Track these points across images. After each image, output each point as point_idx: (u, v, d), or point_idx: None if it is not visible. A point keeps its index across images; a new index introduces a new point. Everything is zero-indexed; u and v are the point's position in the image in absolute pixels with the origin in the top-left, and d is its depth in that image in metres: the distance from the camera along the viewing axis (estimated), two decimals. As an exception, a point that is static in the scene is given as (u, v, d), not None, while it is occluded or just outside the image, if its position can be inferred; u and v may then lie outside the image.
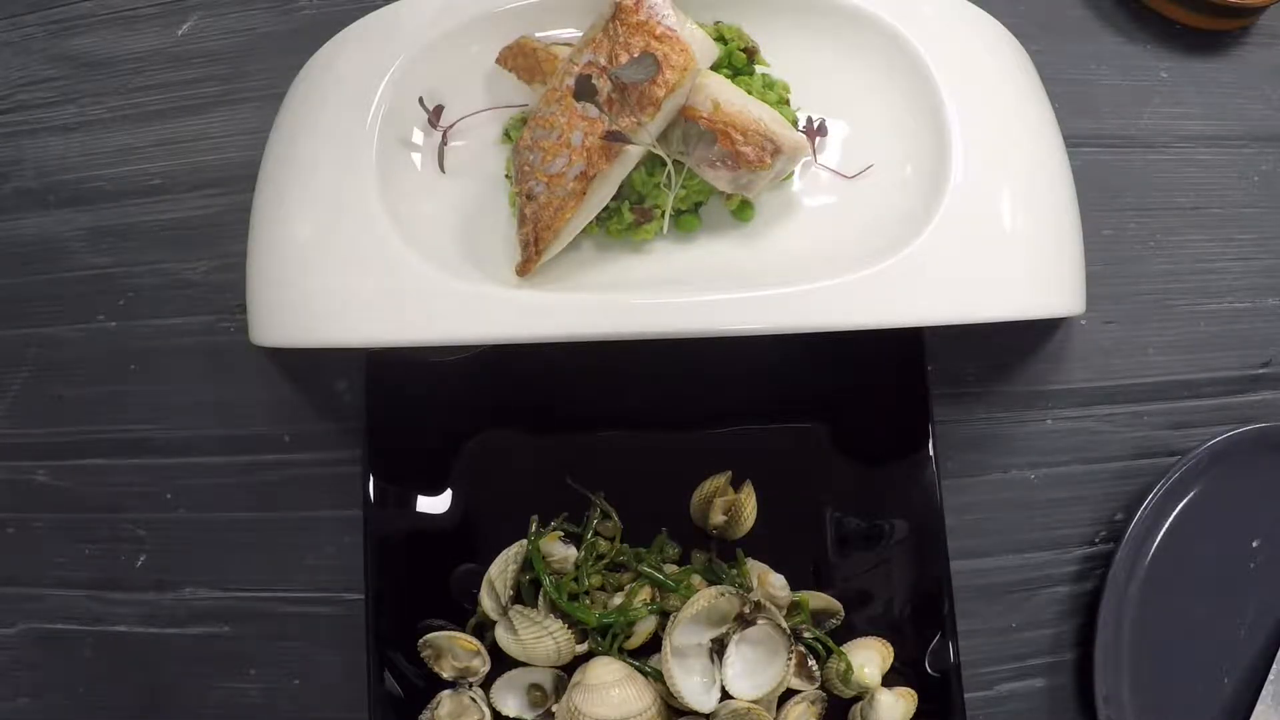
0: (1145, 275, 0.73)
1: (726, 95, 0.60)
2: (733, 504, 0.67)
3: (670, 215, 0.63)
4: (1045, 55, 0.69)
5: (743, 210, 0.64)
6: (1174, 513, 0.68)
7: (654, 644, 0.65)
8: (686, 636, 0.63)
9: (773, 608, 0.64)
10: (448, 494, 0.70)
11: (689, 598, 0.63)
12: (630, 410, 0.70)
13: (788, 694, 0.65)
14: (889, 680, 0.65)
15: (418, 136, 0.65)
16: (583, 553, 0.67)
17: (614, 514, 0.68)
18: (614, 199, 0.62)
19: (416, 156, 0.65)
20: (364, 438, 0.68)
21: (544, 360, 0.66)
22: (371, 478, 0.67)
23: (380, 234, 0.61)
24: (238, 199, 0.73)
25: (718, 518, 0.67)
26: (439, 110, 0.64)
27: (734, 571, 0.66)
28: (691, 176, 0.62)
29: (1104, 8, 0.77)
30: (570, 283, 0.62)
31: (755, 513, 0.68)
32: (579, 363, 0.69)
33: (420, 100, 0.64)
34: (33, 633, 0.73)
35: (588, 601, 0.66)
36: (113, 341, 0.75)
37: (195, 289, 0.75)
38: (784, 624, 0.63)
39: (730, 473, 0.68)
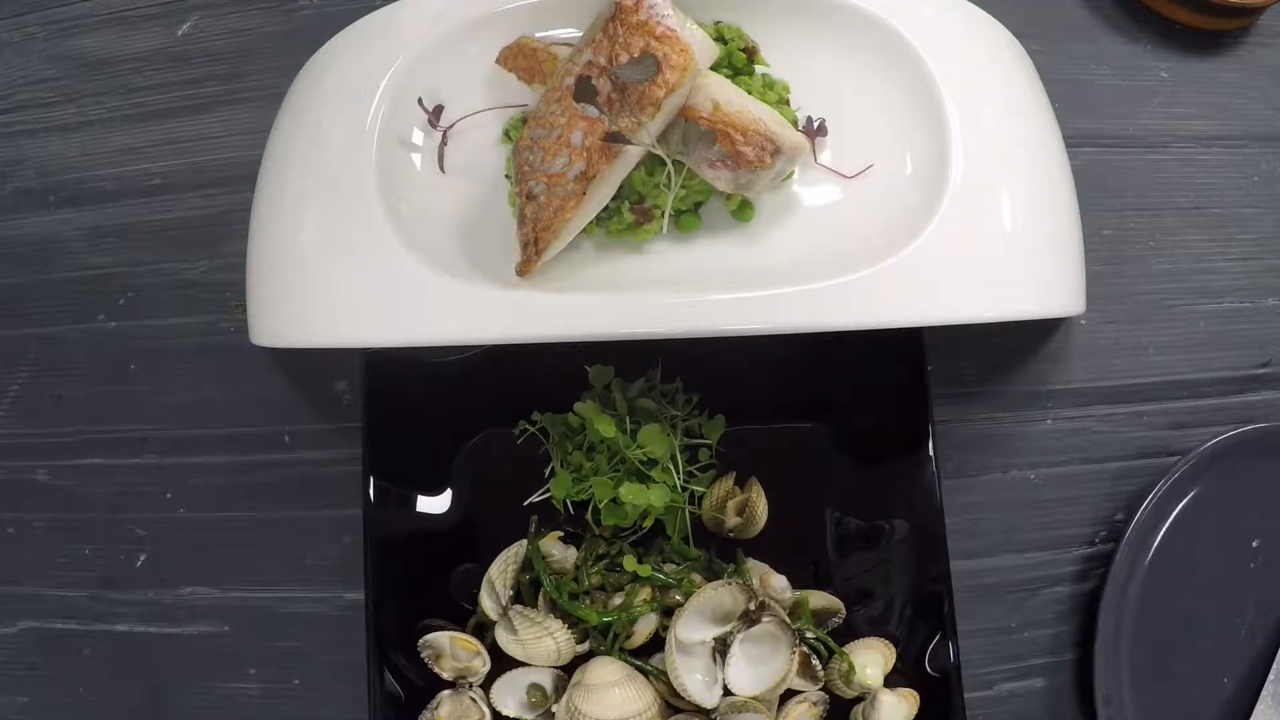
0: (1145, 275, 0.73)
1: (726, 95, 0.60)
2: (745, 504, 0.67)
3: (670, 215, 0.63)
4: (1045, 55, 0.69)
5: (743, 210, 0.64)
6: (1174, 513, 0.68)
7: (654, 644, 0.66)
8: (691, 631, 0.63)
9: (777, 606, 0.64)
10: (448, 494, 0.70)
11: (691, 593, 0.64)
12: (630, 410, 0.70)
13: (789, 694, 0.65)
14: (890, 681, 0.65)
15: (418, 136, 0.65)
16: (583, 553, 0.67)
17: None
18: (614, 199, 0.62)
19: (416, 156, 0.65)
20: (364, 438, 0.68)
21: (544, 360, 0.66)
22: (371, 478, 0.67)
23: (380, 234, 0.61)
24: (238, 199, 0.73)
25: (733, 519, 0.67)
26: (439, 110, 0.65)
27: (732, 569, 0.67)
28: (691, 176, 0.62)
29: (1104, 8, 0.77)
30: (570, 283, 0.62)
31: (767, 510, 0.68)
32: (579, 363, 0.69)
33: (420, 100, 0.64)
34: (33, 633, 0.73)
35: (588, 601, 0.66)
36: (113, 341, 0.75)
37: (195, 289, 0.75)
38: (787, 620, 0.63)
39: (735, 473, 0.68)
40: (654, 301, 0.59)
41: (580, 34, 0.63)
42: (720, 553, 0.68)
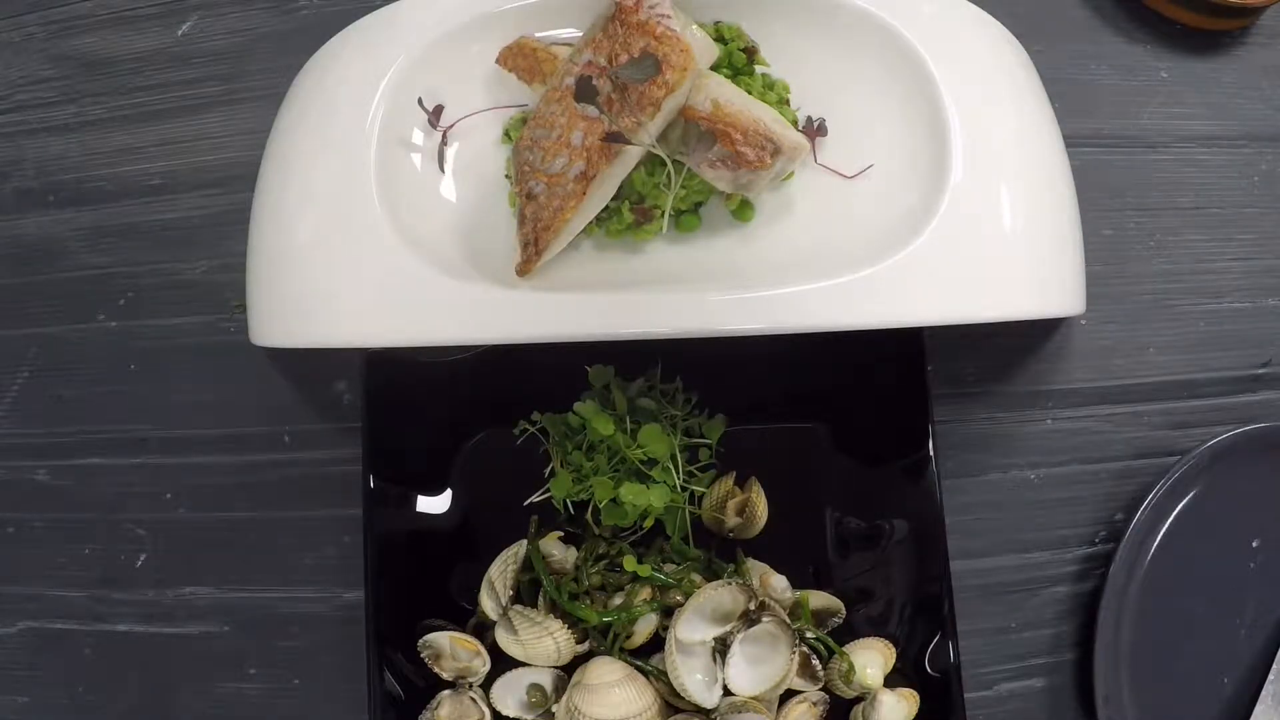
0: (1145, 275, 0.73)
1: (726, 95, 0.60)
2: (745, 504, 0.67)
3: (670, 215, 0.63)
4: (1045, 55, 0.69)
5: (743, 210, 0.64)
6: (1174, 513, 0.68)
7: (654, 644, 0.66)
8: (691, 631, 0.63)
9: (777, 606, 0.64)
10: (448, 494, 0.70)
11: (691, 593, 0.64)
12: (630, 410, 0.70)
13: (789, 694, 0.65)
14: (890, 681, 0.65)
15: (418, 136, 0.65)
16: (583, 553, 0.67)
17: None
18: (614, 199, 0.62)
19: (416, 156, 0.65)
20: (364, 438, 0.68)
21: (544, 360, 0.66)
22: (371, 478, 0.67)
23: (380, 234, 0.61)
24: (238, 199, 0.73)
25: (732, 519, 0.67)
26: (439, 110, 0.65)
27: (732, 569, 0.67)
28: (691, 176, 0.62)
29: (1104, 8, 0.77)
30: (570, 283, 0.62)
31: (767, 510, 0.68)
32: (579, 363, 0.69)
33: (420, 101, 0.64)
34: (33, 633, 0.73)
35: (588, 601, 0.66)
36: (113, 341, 0.75)
37: (195, 289, 0.75)
38: (787, 620, 0.63)
39: (734, 473, 0.68)
40: (654, 301, 0.59)
41: (580, 34, 0.63)
42: (720, 553, 0.68)
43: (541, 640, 0.64)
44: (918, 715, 0.64)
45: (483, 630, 0.67)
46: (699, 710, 0.63)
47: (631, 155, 0.60)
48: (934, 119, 0.61)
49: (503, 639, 0.65)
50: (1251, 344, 0.73)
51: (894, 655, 0.65)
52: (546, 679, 0.66)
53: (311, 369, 0.73)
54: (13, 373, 0.76)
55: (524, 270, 0.60)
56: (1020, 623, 0.70)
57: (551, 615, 0.65)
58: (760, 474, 0.68)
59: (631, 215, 0.62)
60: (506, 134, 0.65)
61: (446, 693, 0.65)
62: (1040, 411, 0.72)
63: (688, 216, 0.64)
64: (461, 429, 0.70)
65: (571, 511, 0.68)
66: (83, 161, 0.78)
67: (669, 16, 0.58)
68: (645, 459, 0.66)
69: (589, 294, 0.60)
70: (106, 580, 0.73)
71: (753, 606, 0.63)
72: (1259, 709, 0.67)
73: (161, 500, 0.73)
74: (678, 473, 0.67)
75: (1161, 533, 0.68)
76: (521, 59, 0.63)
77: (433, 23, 0.64)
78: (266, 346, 0.65)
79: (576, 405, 0.68)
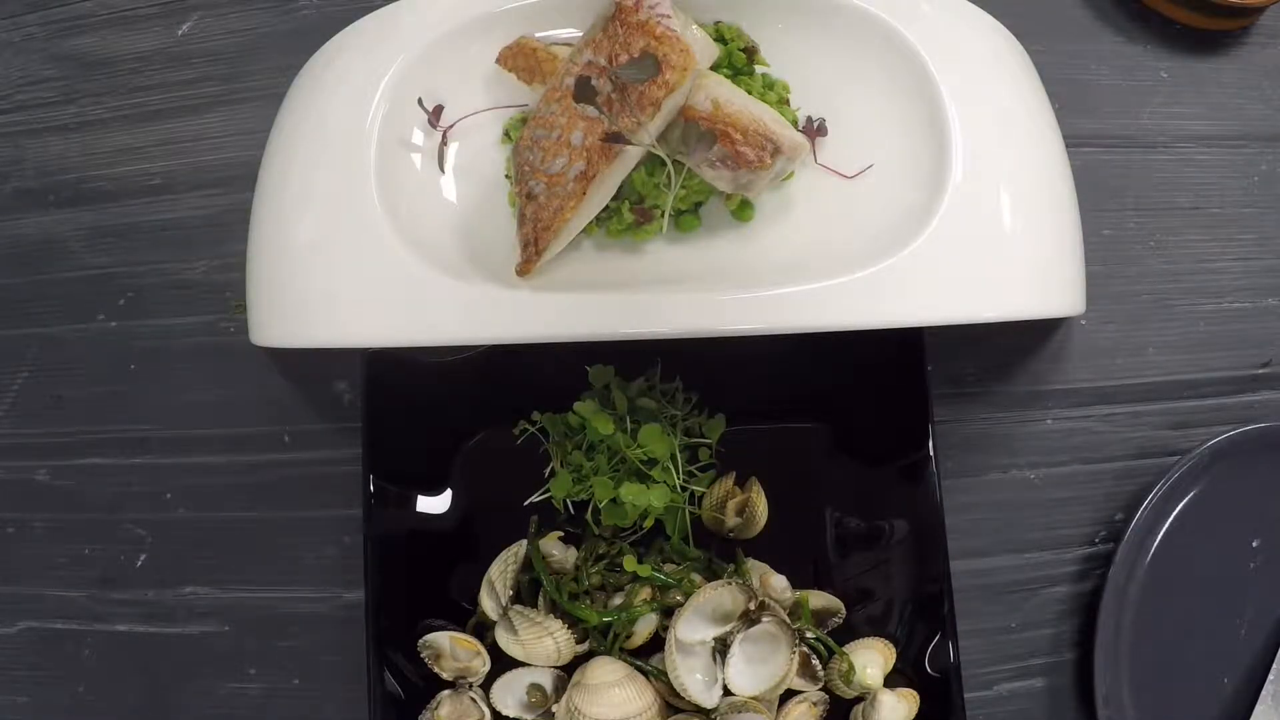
0: (1145, 275, 0.73)
1: (726, 95, 0.60)
2: (745, 504, 0.67)
3: (670, 215, 0.63)
4: (1045, 55, 0.69)
5: (742, 210, 0.64)
6: (1174, 513, 0.68)
7: (654, 644, 0.66)
8: (691, 631, 0.63)
9: (777, 606, 0.64)
10: (448, 494, 0.70)
11: (691, 593, 0.64)
12: (630, 410, 0.70)
13: (789, 694, 0.65)
14: (890, 681, 0.65)
15: (418, 136, 0.65)
16: (583, 553, 0.67)
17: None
18: (614, 199, 0.62)
19: (416, 156, 0.65)
20: (364, 438, 0.68)
21: (544, 360, 0.66)
22: (371, 478, 0.67)
23: (380, 234, 0.61)
24: (238, 199, 0.73)
25: (732, 519, 0.67)
26: (439, 110, 0.65)
27: (732, 569, 0.67)
28: (691, 176, 0.62)
29: (1104, 8, 0.77)
30: (570, 283, 0.62)
31: (767, 510, 0.68)
32: (579, 363, 0.69)
33: (420, 101, 0.64)
34: (33, 633, 0.73)
35: (588, 601, 0.66)
36: (113, 341, 0.75)
37: (195, 289, 0.75)
38: (787, 620, 0.63)
39: (734, 473, 0.68)
40: (654, 301, 0.59)
41: (580, 34, 0.63)
42: (720, 553, 0.68)
43: (541, 640, 0.64)
44: (918, 715, 0.64)
45: (483, 630, 0.67)
46: (699, 710, 0.63)
47: (631, 155, 0.60)
48: (934, 119, 0.61)
49: (503, 639, 0.65)
50: (1251, 344, 0.73)
51: (894, 655, 0.65)
52: (546, 679, 0.66)
53: (311, 369, 0.73)
54: (13, 373, 0.76)
55: (524, 270, 0.60)
56: (1020, 623, 0.70)
57: (551, 615, 0.65)
58: (760, 474, 0.68)
59: (631, 215, 0.62)
60: (506, 134, 0.65)
61: (446, 693, 0.65)
62: (1040, 411, 0.72)
63: (688, 216, 0.64)
64: (461, 429, 0.70)
65: (571, 511, 0.68)
66: (83, 161, 0.78)
67: (669, 16, 0.58)
68: (645, 459, 0.66)
69: (589, 294, 0.60)
70: (106, 580, 0.73)
71: (753, 606, 0.63)
72: (1259, 709, 0.67)
73: (161, 500, 0.73)
74: (678, 473, 0.67)
75: (1161, 533, 0.68)
76: (521, 59, 0.63)
77: (433, 23, 0.64)
78: (266, 346, 0.65)
79: (576, 405, 0.68)
